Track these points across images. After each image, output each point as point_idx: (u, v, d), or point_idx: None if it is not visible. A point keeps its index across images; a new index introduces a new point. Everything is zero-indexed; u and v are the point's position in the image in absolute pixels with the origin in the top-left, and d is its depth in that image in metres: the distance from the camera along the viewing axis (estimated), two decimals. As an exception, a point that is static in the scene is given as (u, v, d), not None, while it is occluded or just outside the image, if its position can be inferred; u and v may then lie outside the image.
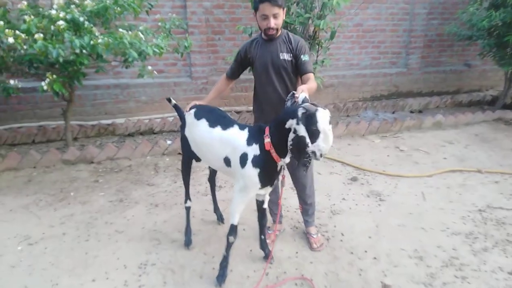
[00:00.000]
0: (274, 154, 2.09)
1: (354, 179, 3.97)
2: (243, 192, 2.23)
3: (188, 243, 2.80)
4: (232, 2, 5.65)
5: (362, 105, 6.42)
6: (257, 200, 2.53)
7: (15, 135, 4.70)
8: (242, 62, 2.62)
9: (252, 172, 2.13)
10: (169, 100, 2.72)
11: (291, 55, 2.41)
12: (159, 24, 4.34)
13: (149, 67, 4.09)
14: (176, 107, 2.75)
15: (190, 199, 2.87)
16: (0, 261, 2.62)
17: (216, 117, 2.41)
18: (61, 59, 3.12)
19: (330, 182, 3.90)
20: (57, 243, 2.83)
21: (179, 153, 4.51)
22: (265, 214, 2.56)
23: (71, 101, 4.40)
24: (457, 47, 7.12)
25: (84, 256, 2.68)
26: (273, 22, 2.31)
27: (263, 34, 2.47)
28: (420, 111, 6.58)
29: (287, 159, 2.13)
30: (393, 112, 6.50)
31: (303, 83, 2.42)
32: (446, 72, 7.15)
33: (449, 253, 2.77)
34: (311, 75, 2.42)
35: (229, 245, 2.40)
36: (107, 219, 3.17)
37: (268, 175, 2.16)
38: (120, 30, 3.44)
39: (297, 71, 2.47)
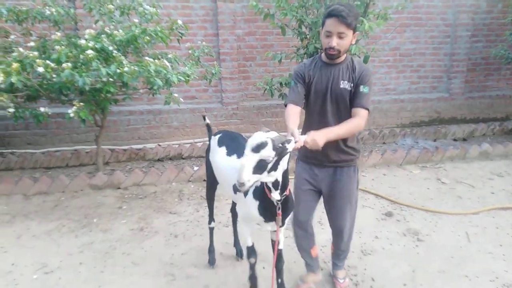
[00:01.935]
0: (266, 189, 1.98)
1: (389, 214, 3.65)
2: (245, 220, 2.23)
3: (212, 262, 2.87)
4: (264, 29, 5.62)
5: (400, 132, 6.06)
6: (271, 240, 2.34)
7: (50, 158, 4.84)
8: (305, 82, 2.19)
9: (252, 203, 2.07)
10: (204, 118, 2.87)
11: (352, 84, 2.08)
12: (190, 51, 4.37)
13: (175, 94, 4.08)
14: (208, 127, 2.88)
15: (214, 220, 2.92)
16: (16, 290, 2.60)
17: (236, 146, 2.38)
18: (87, 87, 3.16)
19: (361, 217, 3.59)
20: (72, 273, 2.77)
21: (204, 180, 4.41)
22: (281, 256, 2.34)
23: (102, 127, 4.49)
24: (505, 70, 6.61)
25: (97, 290, 2.60)
26: (335, 42, 1.98)
27: (323, 55, 2.16)
28: (464, 139, 6.11)
29: (276, 195, 1.96)
30: (435, 140, 6.07)
31: (352, 116, 2.08)
32: (493, 97, 6.63)
33: (499, 309, 2.40)
34: (361, 111, 2.05)
35: (251, 266, 2.37)
36: (125, 249, 3.09)
37: (267, 208, 2.03)
38: (147, 58, 3.46)
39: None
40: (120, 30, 3.62)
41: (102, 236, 3.28)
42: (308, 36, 4.47)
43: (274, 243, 2.28)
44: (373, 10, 4.37)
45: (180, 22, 4.01)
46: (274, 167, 1.80)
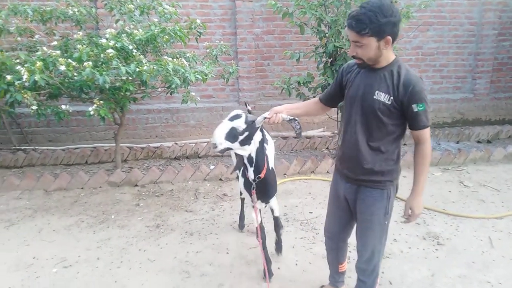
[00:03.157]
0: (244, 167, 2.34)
1: (407, 216, 3.56)
2: (245, 197, 2.70)
3: (241, 226, 3.30)
4: (282, 28, 5.59)
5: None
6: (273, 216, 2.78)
7: (70, 155, 4.95)
8: (340, 85, 2.04)
9: (241, 180, 2.48)
10: (246, 104, 3.23)
11: (392, 98, 1.78)
12: (207, 50, 4.39)
13: (193, 93, 4.11)
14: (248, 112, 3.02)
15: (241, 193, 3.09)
16: (36, 282, 2.66)
17: None
18: (107, 85, 3.21)
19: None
20: (89, 268, 2.81)
21: (220, 179, 4.42)
22: (278, 222, 2.79)
23: (121, 125, 4.55)
24: (534, 70, 6.37)
25: (113, 285, 2.63)
26: (354, 51, 1.79)
27: None
28: (489, 141, 5.90)
29: (251, 174, 2.30)
30: (458, 142, 5.90)
31: (414, 141, 1.88)
32: (520, 98, 6.40)
33: (524, 318, 2.30)
34: (422, 133, 1.82)
35: (262, 244, 2.58)
36: (141, 245, 3.12)
37: (248, 186, 2.38)
38: (165, 57, 3.49)
39: (406, 123, 1.86)
40: (140, 30, 3.66)
41: (119, 232, 3.32)
42: (327, 35, 4.41)
43: (271, 211, 2.74)
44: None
45: (198, 21, 4.03)
46: (247, 141, 2.12)
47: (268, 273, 2.55)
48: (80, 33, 3.61)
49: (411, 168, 2.05)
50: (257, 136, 2.17)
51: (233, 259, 2.92)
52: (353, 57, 1.84)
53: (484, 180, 4.38)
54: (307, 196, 4.00)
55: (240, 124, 2.05)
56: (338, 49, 4.28)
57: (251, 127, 2.07)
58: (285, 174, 4.55)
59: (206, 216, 3.61)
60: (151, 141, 5.58)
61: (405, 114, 1.81)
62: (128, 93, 3.67)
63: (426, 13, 5.70)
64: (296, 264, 2.84)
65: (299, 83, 4.63)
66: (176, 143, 5.48)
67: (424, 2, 4.39)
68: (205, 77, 3.69)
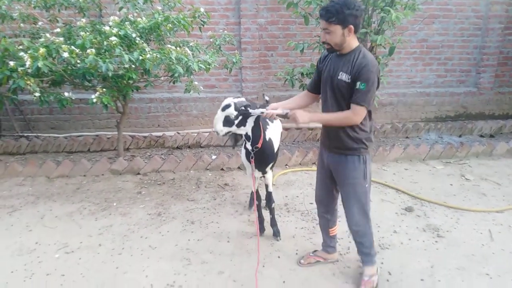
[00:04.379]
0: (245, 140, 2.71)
1: (409, 209, 3.57)
2: (246, 168, 2.97)
3: (251, 205, 3.47)
4: (287, 18, 5.55)
5: (424, 126, 5.90)
6: (265, 186, 3.04)
7: (73, 143, 4.96)
8: (319, 73, 2.36)
9: (243, 152, 2.86)
10: (263, 95, 3.50)
11: (350, 77, 2.11)
12: (211, 40, 4.37)
13: (196, 82, 4.09)
14: (267, 103, 3.24)
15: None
16: (39, 267, 2.69)
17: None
18: (110, 73, 3.20)
19: (380, 211, 3.54)
20: (91, 254, 2.84)
21: (222, 169, 4.44)
22: (270, 197, 3.04)
23: (124, 113, 4.56)
24: (540, 65, 6.31)
25: (114, 271, 2.65)
26: (323, 37, 2.15)
27: None
28: (491, 136, 5.89)
29: (248, 146, 2.66)
30: (460, 136, 5.88)
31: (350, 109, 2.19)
32: (525, 93, 6.36)
33: (521, 310, 2.31)
34: (357, 107, 2.12)
35: (256, 207, 2.99)
36: (143, 232, 3.14)
37: (248, 156, 2.72)
38: (168, 46, 3.47)
39: None
40: (144, 18, 3.64)
41: (121, 220, 3.35)
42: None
43: (266, 186, 3.03)
44: (400, 0, 4.23)
45: (202, 10, 4.00)
46: (243, 123, 2.50)
47: (260, 229, 3.00)
48: (83, 20, 3.59)
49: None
50: (251, 118, 2.52)
51: (234, 248, 2.94)
52: (323, 42, 2.18)
53: (486, 174, 4.37)
54: (308, 187, 4.01)
55: (232, 112, 2.44)
56: (342, 40, 4.24)
57: (243, 112, 2.41)
58: (286, 165, 4.55)
59: (207, 205, 3.63)
60: (153, 130, 5.59)
61: (352, 88, 2.13)
62: (131, 81, 3.67)
63: (432, 5, 5.65)
64: (296, 254, 2.86)
65: (302, 74, 4.61)
66: (178, 133, 5.49)
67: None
68: (208, 66, 3.68)
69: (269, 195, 3.04)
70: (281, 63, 5.72)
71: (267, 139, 2.75)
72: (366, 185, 2.35)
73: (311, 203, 3.64)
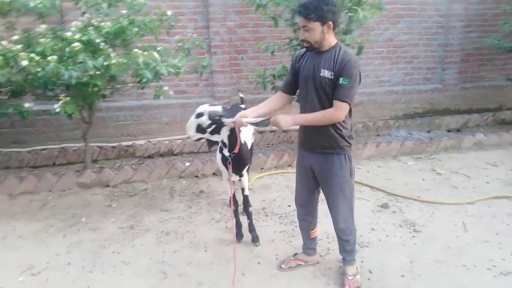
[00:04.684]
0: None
1: (384, 206, 3.60)
2: (222, 172, 2.91)
3: (240, 236, 3.07)
4: (256, 21, 5.52)
5: (394, 123, 6.01)
6: (241, 189, 3.00)
7: (36, 157, 4.70)
8: (295, 72, 2.33)
9: (218, 156, 2.80)
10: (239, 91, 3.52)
11: (332, 73, 2.10)
12: (179, 44, 4.26)
13: (166, 88, 3.98)
14: (241, 100, 3.55)
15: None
16: (1, 292, 2.49)
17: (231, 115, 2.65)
18: (73, 81, 3.05)
19: (357, 209, 3.51)
20: (60, 274, 2.67)
21: (196, 176, 4.32)
22: (247, 201, 2.97)
23: (90, 123, 4.36)
24: (498, 61, 6.58)
25: (86, 290, 2.50)
26: (303, 35, 2.12)
27: None
28: (458, 130, 6.08)
29: (225, 152, 2.64)
30: (429, 131, 6.04)
31: (332, 107, 2.15)
32: (486, 88, 6.61)
33: (499, 299, 2.35)
34: (337, 103, 2.10)
35: (233, 212, 2.87)
36: (115, 248, 2.99)
37: (224, 161, 2.70)
38: (135, 50, 3.35)
39: None
40: (108, 22, 3.50)
41: (91, 235, 3.17)
42: (300, 27, 4.38)
43: (242, 190, 2.99)
44: (366, 0, 4.29)
45: (169, 13, 3.89)
46: (217, 131, 2.45)
47: (237, 236, 2.97)
48: (43, 26, 3.40)
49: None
50: (227, 127, 2.45)
51: (212, 257, 2.85)
52: (302, 40, 2.15)
53: (456, 167, 4.49)
54: (285, 190, 3.97)
55: (204, 121, 2.40)
56: (312, 41, 4.25)
57: (217, 121, 2.39)
58: (262, 168, 4.50)
59: (182, 214, 3.51)
60: (122, 140, 5.37)
61: (335, 84, 2.10)
62: (96, 89, 3.51)
63: (397, 5, 5.79)
64: (277, 258, 2.81)
65: (274, 76, 4.58)
66: (149, 141, 5.32)
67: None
68: (178, 70, 3.58)
69: (246, 199, 2.98)
70: (252, 66, 5.67)
71: (243, 142, 2.71)
72: (352, 182, 2.36)
73: (289, 206, 3.61)
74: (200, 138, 2.51)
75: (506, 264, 2.69)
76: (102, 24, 3.43)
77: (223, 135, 2.50)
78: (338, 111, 2.12)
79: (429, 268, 2.67)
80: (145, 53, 3.35)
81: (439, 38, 6.27)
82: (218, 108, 2.43)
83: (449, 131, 6.07)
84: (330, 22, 2.06)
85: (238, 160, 2.67)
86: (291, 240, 3.05)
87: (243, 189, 2.96)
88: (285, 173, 4.43)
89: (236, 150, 2.59)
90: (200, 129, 2.43)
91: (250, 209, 3.01)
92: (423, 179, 4.21)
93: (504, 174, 4.26)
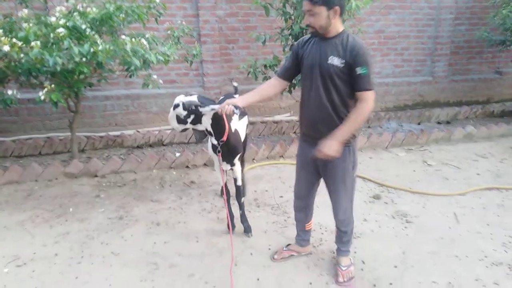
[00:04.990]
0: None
1: (376, 197, 3.59)
2: (214, 160, 2.85)
3: (222, 192, 3.02)
4: (246, 10, 5.43)
5: (384, 115, 6.02)
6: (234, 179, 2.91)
7: (21, 146, 4.57)
8: (296, 59, 2.23)
9: (209, 145, 2.70)
10: (231, 80, 3.45)
11: (344, 61, 1.99)
12: (168, 32, 4.15)
13: (155, 76, 3.88)
14: (235, 89, 3.48)
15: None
16: (-15, 285, 2.40)
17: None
18: (58, 68, 2.94)
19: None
20: (47, 265, 2.59)
21: (187, 167, 4.26)
22: (240, 191, 2.91)
23: (77, 112, 4.24)
24: (487, 54, 6.64)
25: (73, 282, 2.43)
26: (308, 20, 2.03)
27: None
28: (448, 122, 6.13)
29: (213, 140, 2.58)
30: (419, 123, 6.07)
31: (358, 101, 2.05)
32: (475, 80, 6.67)
33: (491, 288, 2.37)
34: (364, 94, 2.01)
35: (225, 202, 2.78)
36: (103, 238, 2.92)
37: (214, 149, 2.63)
38: (123, 37, 3.24)
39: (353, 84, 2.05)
40: (94, 8, 3.37)
41: (79, 226, 3.09)
42: (292, 17, 4.32)
43: (234, 180, 2.90)
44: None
45: (158, 0, 3.77)
46: (197, 121, 2.42)
47: (231, 226, 2.86)
48: (26, 11, 3.26)
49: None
50: (208, 116, 2.41)
51: (204, 248, 2.80)
52: (307, 25, 2.06)
53: (446, 159, 4.52)
54: (276, 181, 3.94)
55: (181, 112, 2.38)
56: (304, 30, 4.19)
57: (193, 111, 2.36)
58: (254, 159, 4.45)
59: (173, 205, 3.45)
60: (110, 130, 5.27)
61: (351, 76, 2.01)
62: (82, 77, 3.39)
63: (388, -4, 5.76)
64: (269, 249, 2.77)
65: (265, 66, 4.52)
66: (138, 131, 5.22)
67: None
68: (167, 58, 3.48)
69: (238, 189, 2.91)
70: (243, 55, 5.59)
71: (233, 130, 2.67)
72: (354, 175, 2.31)
73: (281, 197, 3.58)
74: (186, 129, 2.50)
75: (497, 255, 2.70)
76: (88, 9, 3.30)
77: (206, 124, 2.45)
78: (367, 102, 2.02)
79: (421, 259, 2.67)
80: (133, 40, 3.24)
81: (430, 30, 6.28)
82: (194, 98, 2.36)
83: (439, 123, 6.12)
84: (337, 7, 1.96)
85: (228, 149, 2.63)
86: (284, 230, 3.02)
87: (235, 179, 2.88)
88: (277, 164, 4.40)
89: (224, 138, 2.53)
90: (179, 120, 2.42)
91: (243, 199, 2.96)
92: (414, 171, 4.23)
93: (494, 165, 4.30)
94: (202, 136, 2.63)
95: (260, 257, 2.69)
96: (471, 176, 4.05)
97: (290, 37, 4.38)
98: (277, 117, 5.73)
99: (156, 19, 4.03)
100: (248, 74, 4.58)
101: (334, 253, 2.70)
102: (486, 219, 3.20)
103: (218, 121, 2.45)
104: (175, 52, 3.76)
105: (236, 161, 2.80)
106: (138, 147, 5.03)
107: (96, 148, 4.88)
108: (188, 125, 2.45)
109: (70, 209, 3.35)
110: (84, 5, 3.49)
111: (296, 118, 5.78)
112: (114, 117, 5.34)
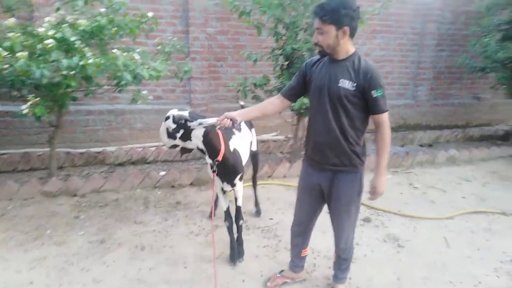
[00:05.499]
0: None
1: (367, 219, 3.56)
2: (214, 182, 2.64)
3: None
4: (237, 28, 5.44)
5: (369, 137, 6.06)
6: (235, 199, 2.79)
7: (-5, 162, 4.31)
8: (303, 79, 2.18)
9: (208, 163, 2.53)
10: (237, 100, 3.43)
11: (355, 85, 1.94)
12: (158, 47, 4.07)
13: (144, 92, 3.77)
14: (242, 108, 3.11)
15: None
16: (-50, 316, 2.18)
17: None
18: (45, 80, 2.80)
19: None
20: (21, 294, 2.39)
21: (173, 186, 4.11)
22: (239, 212, 2.78)
23: (58, 127, 4.05)
24: (466, 79, 6.89)
25: (51, 313, 2.24)
26: (316, 38, 1.98)
27: None
28: (430, 145, 6.24)
29: (208, 159, 2.47)
30: (402, 146, 6.15)
31: (374, 125, 2.03)
32: (455, 105, 6.88)
33: (488, 317, 2.33)
34: (381, 117, 1.98)
35: (227, 229, 2.75)
36: (84, 264, 2.73)
37: (210, 169, 2.51)
38: (114, 51, 3.14)
39: (367, 108, 2.00)
40: (83, 20, 3.26)
41: (57, 250, 2.89)
42: (283, 37, 4.33)
43: (234, 200, 2.79)
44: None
45: (150, 14, 3.70)
46: (187, 137, 2.32)
47: (231, 258, 2.78)
48: (12, 20, 3.12)
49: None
50: (198, 132, 2.31)
51: (192, 274, 2.66)
52: (315, 44, 2.02)
53: (431, 182, 4.56)
54: (266, 202, 3.85)
55: (170, 125, 2.31)
56: (296, 51, 4.21)
57: (182, 126, 2.28)
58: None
59: (158, 228, 3.29)
60: (91, 146, 5.07)
61: (366, 99, 1.97)
62: (69, 90, 3.24)
63: (375, 21, 5.89)
64: (261, 275, 2.66)
65: (255, 85, 4.48)
66: (121, 148, 5.04)
67: (378, 7, 4.42)
68: (158, 74, 3.39)
69: (238, 210, 2.79)
70: (231, 74, 5.56)
71: (232, 149, 2.56)
72: (359, 202, 2.24)
73: (271, 219, 3.49)
74: (175, 146, 2.41)
75: (490, 280, 2.69)
76: (79, 21, 3.19)
77: (197, 141, 2.35)
78: (386, 124, 2.00)
79: (416, 285, 2.62)
80: (125, 54, 3.15)
81: (413, 55, 6.46)
82: (185, 113, 2.29)
83: (421, 145, 6.22)
84: (346, 28, 1.90)
85: (226, 169, 2.52)
86: (276, 255, 2.92)
87: (236, 199, 2.76)
88: (266, 184, 4.31)
89: (219, 158, 2.41)
90: (169, 134, 2.34)
91: (241, 222, 2.83)
92: (401, 193, 4.23)
93: (478, 189, 4.37)
94: (184, 152, 2.53)
95: (252, 284, 2.57)
96: (456, 199, 4.09)
97: (281, 57, 4.39)
98: (265, 136, 5.68)
99: (146, 35, 3.96)
100: (237, 92, 4.53)
101: (329, 279, 2.62)
102: (475, 243, 3.20)
103: (210, 139, 2.34)
104: (166, 67, 3.68)
105: (237, 181, 2.68)
106: (120, 164, 4.85)
107: (75, 165, 4.67)
108: (178, 141, 2.35)
109: (47, 231, 3.14)
110: (74, 16, 3.38)
111: (282, 137, 5.75)
112: (96, 133, 5.15)
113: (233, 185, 2.67)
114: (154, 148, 5.07)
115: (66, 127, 4.89)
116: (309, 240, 2.53)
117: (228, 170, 2.55)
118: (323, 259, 2.88)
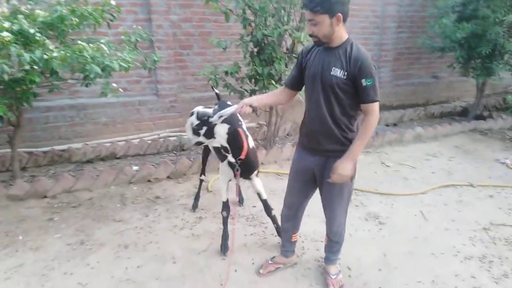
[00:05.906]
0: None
1: (346, 200, 3.64)
2: (223, 176, 2.72)
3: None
4: (201, 15, 5.27)
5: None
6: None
7: None
8: (300, 68, 2.17)
9: (224, 163, 2.58)
10: (213, 88, 3.33)
11: (346, 73, 1.93)
12: (123, 37, 3.86)
13: (114, 84, 3.58)
14: (217, 96, 3.17)
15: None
16: None
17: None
18: (6, 77, 2.56)
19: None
20: (0, 307, 2.22)
21: (149, 181, 3.98)
22: (267, 205, 2.79)
23: (19, 126, 3.77)
24: (424, 60, 7.17)
25: (38, 324, 2.11)
26: (311, 29, 1.94)
27: None
28: (395, 124, 6.48)
29: (230, 158, 2.48)
30: (369, 126, 6.33)
31: (363, 113, 2.02)
32: (415, 84, 7.16)
33: (470, 283, 2.50)
34: (370, 106, 1.95)
35: (223, 219, 2.75)
36: (65, 268, 2.59)
37: (231, 167, 2.54)
38: (80, 42, 2.93)
39: (357, 96, 1.99)
40: (40, 11, 3.01)
41: (34, 256, 2.71)
42: (252, 23, 4.25)
43: (258, 195, 2.81)
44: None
45: (113, 2, 3.49)
46: (210, 135, 2.33)
47: (222, 248, 2.76)
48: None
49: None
50: (222, 129, 2.32)
51: (183, 269, 2.61)
52: (310, 35, 1.98)
53: (402, 160, 4.75)
54: (247, 190, 3.82)
55: (193, 121, 2.31)
56: (266, 37, 4.16)
57: (205, 123, 2.28)
58: (219, 168, 4.29)
59: (139, 224, 3.18)
60: (54, 144, 4.76)
61: (356, 88, 1.96)
62: (33, 86, 3.00)
63: (338, 4, 5.94)
64: (253, 263, 2.66)
65: (226, 73, 4.38)
66: (87, 144, 4.79)
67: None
68: (129, 64, 3.22)
69: (265, 203, 2.79)
70: (198, 62, 5.41)
71: (251, 146, 2.56)
72: (352, 186, 2.27)
73: (254, 207, 3.48)
74: (200, 143, 2.41)
75: (467, 249, 2.86)
76: (37, 12, 2.94)
77: (220, 139, 2.37)
78: (374, 114, 1.97)
79: (402, 259, 2.74)
80: (91, 45, 2.95)
81: (375, 38, 6.61)
82: (209, 110, 2.30)
83: (387, 125, 6.44)
84: (339, 14, 1.87)
85: (247, 166, 2.53)
86: (264, 242, 2.93)
87: (259, 194, 2.76)
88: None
89: (242, 156, 2.42)
90: (194, 130, 2.34)
91: (273, 212, 2.81)
92: (375, 172, 4.37)
93: (445, 163, 4.61)
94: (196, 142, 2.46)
95: (245, 273, 2.56)
96: (427, 175, 4.29)
97: (251, 43, 4.32)
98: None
99: (108, 24, 3.73)
100: (208, 80, 4.42)
101: (319, 261, 2.67)
102: (450, 215, 3.38)
103: (235, 137, 2.38)
104: (134, 58, 3.51)
105: (254, 176, 2.69)
106: (88, 161, 4.61)
107: (39, 165, 4.39)
108: (202, 138, 2.34)
109: (19, 237, 2.94)
110: (29, 6, 3.12)
111: (254, 124, 5.72)
112: (57, 130, 4.84)
113: (249, 178, 2.69)
114: (124, 142, 4.86)
115: (25, 125, 4.55)
116: (300, 225, 2.55)
117: (248, 168, 2.55)
118: (310, 242, 2.93)
